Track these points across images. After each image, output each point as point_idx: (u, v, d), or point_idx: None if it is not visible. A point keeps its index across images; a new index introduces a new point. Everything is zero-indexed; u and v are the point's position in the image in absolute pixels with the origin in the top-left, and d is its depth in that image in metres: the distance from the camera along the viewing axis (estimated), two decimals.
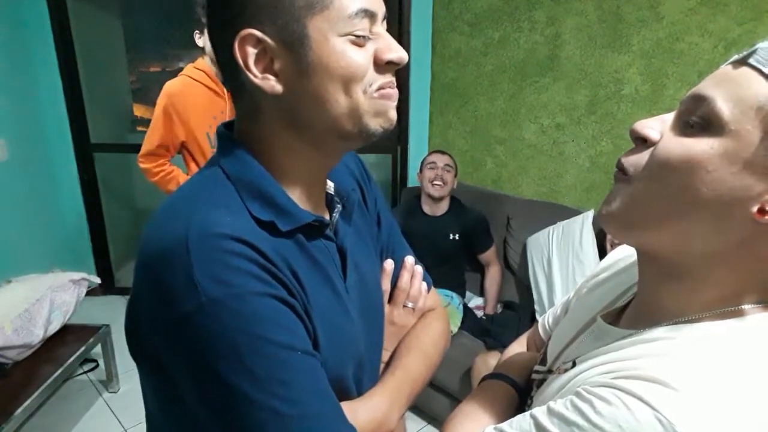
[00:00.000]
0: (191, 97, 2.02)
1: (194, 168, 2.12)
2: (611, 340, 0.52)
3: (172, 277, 0.47)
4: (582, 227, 2.07)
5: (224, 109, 2.07)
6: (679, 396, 0.40)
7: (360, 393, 0.64)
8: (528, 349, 0.80)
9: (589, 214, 2.10)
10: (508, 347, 0.82)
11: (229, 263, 0.47)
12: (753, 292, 0.46)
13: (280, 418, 0.47)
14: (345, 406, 0.55)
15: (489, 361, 1.82)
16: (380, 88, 0.54)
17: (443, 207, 2.36)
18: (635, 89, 2.13)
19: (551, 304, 2.09)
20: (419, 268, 0.78)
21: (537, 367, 0.66)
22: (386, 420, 0.62)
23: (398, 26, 2.74)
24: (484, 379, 0.72)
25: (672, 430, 0.38)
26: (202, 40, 2.00)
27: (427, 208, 2.36)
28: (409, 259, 0.77)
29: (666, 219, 0.45)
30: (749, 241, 0.43)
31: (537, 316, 2.16)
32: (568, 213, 2.24)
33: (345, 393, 0.61)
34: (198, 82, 2.04)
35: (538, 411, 0.48)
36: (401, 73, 2.79)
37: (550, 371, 0.61)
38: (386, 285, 0.75)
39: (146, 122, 4.13)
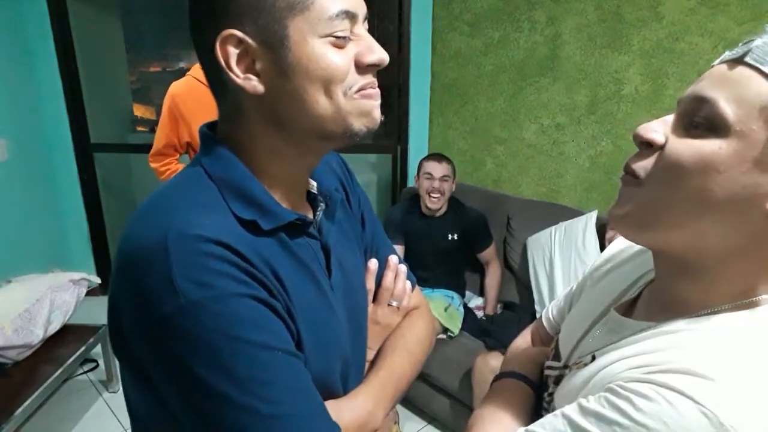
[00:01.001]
0: (195, 98, 2.01)
1: None
2: (629, 333, 0.52)
3: (151, 280, 0.47)
4: (585, 227, 2.07)
5: None
6: (717, 386, 0.40)
7: (346, 391, 0.64)
8: (533, 344, 0.80)
9: (593, 215, 2.10)
10: (512, 342, 0.82)
11: (208, 265, 0.47)
12: None
13: (261, 418, 0.47)
14: (330, 405, 0.56)
15: (489, 362, 1.82)
16: (360, 89, 0.54)
17: (443, 209, 2.34)
18: (635, 89, 2.13)
19: None
20: (403, 267, 0.78)
21: (550, 363, 0.65)
22: (371, 419, 0.62)
23: (398, 26, 2.74)
24: (497, 378, 0.71)
25: (717, 422, 0.38)
26: None
27: (426, 210, 2.33)
28: (393, 259, 0.77)
29: (682, 220, 0.46)
30: (765, 235, 0.44)
31: (537, 316, 2.16)
32: (568, 213, 2.24)
33: (331, 392, 0.61)
34: (203, 84, 2.03)
35: (570, 410, 0.47)
36: (401, 73, 2.80)
37: (566, 366, 0.60)
38: (371, 284, 0.75)
39: (146, 122, 4.14)
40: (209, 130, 0.59)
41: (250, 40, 0.51)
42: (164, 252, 0.46)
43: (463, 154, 2.79)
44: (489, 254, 2.40)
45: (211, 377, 0.46)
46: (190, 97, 2.02)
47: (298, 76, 0.51)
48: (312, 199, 0.66)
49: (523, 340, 0.81)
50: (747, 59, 0.43)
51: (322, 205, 0.65)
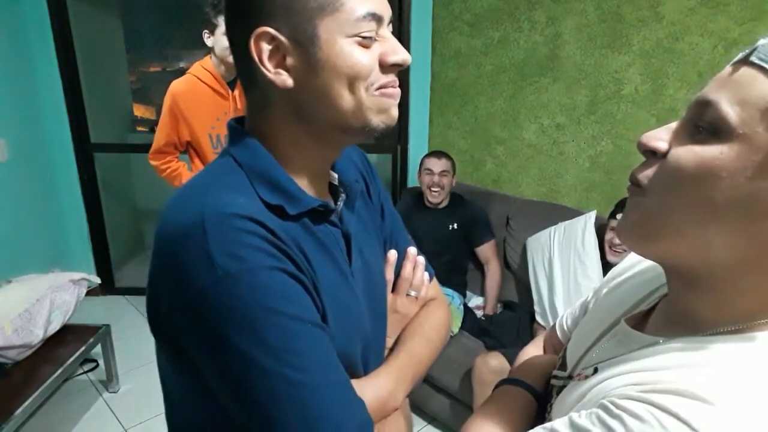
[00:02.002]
0: (195, 97, 2.03)
1: (199, 166, 2.14)
2: (636, 346, 0.49)
3: (190, 255, 0.50)
4: (584, 228, 2.07)
5: (228, 110, 2.07)
6: (716, 411, 0.38)
7: (367, 373, 0.66)
8: (545, 352, 0.77)
9: (592, 215, 2.10)
10: (522, 349, 0.80)
11: (242, 240, 0.50)
12: None
13: (291, 385, 0.50)
14: (352, 383, 0.57)
15: (489, 362, 1.82)
16: (382, 86, 0.57)
17: (444, 202, 2.45)
18: (635, 89, 2.13)
19: (551, 304, 2.09)
20: (421, 259, 0.80)
21: (556, 372, 0.63)
22: (392, 398, 0.64)
23: (398, 26, 2.74)
24: (499, 384, 0.70)
25: None
26: (211, 40, 2.01)
27: (428, 202, 2.46)
28: (412, 250, 0.80)
29: (685, 230, 0.44)
30: None
31: (537, 317, 2.16)
32: (568, 213, 2.24)
33: (353, 371, 0.63)
34: (203, 83, 2.04)
35: (560, 424, 0.45)
36: (401, 73, 2.79)
37: (570, 377, 0.58)
38: (390, 275, 0.77)
39: (146, 122, 4.15)
40: (237, 124, 0.63)
41: (282, 38, 0.54)
42: (201, 229, 0.50)
43: (463, 154, 2.79)
44: (488, 251, 2.42)
45: (245, 345, 0.49)
46: (190, 95, 2.03)
47: (326, 73, 0.54)
48: (333, 190, 0.69)
49: (535, 348, 0.79)
50: (752, 58, 0.41)
51: (343, 195, 0.68)
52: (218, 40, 1.98)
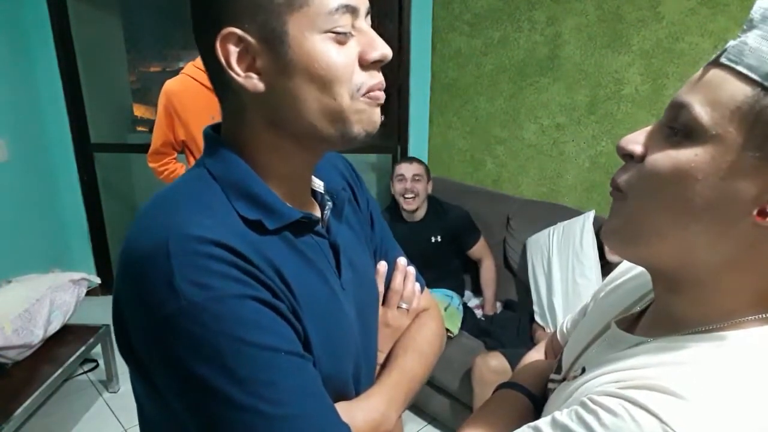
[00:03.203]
0: (189, 96, 2.01)
1: None
2: (624, 347, 0.50)
3: (152, 281, 0.47)
4: (583, 228, 2.07)
5: None
6: (689, 406, 0.38)
7: (358, 392, 0.63)
8: (546, 357, 0.78)
9: (590, 215, 2.10)
10: (526, 354, 0.80)
11: (208, 267, 0.47)
12: None
13: (266, 419, 0.47)
14: (342, 406, 0.55)
15: (489, 362, 1.82)
16: (369, 90, 0.53)
17: (421, 212, 2.34)
18: (635, 89, 2.13)
19: (550, 304, 2.09)
20: (412, 269, 0.77)
21: (552, 376, 0.64)
22: (384, 420, 0.61)
23: (398, 26, 2.74)
24: (498, 388, 0.70)
25: None
26: None
27: (406, 214, 2.35)
28: (402, 260, 0.77)
29: (665, 232, 0.44)
30: (757, 245, 0.41)
31: (536, 317, 2.16)
32: (569, 213, 2.24)
33: (344, 392, 0.60)
34: (197, 82, 2.02)
35: (543, 422, 0.46)
36: (401, 73, 2.80)
37: (564, 380, 0.58)
38: (380, 287, 0.74)
39: (146, 122, 4.14)
40: (213, 131, 0.59)
41: (249, 38, 0.50)
42: (165, 253, 0.46)
43: (463, 154, 2.79)
44: (479, 250, 2.38)
45: (213, 378, 0.46)
46: (185, 94, 2.01)
47: (299, 75, 0.50)
48: (319, 199, 0.65)
49: (536, 353, 0.79)
50: (722, 59, 0.42)
51: (330, 203, 0.65)
52: (195, 40, 1.97)
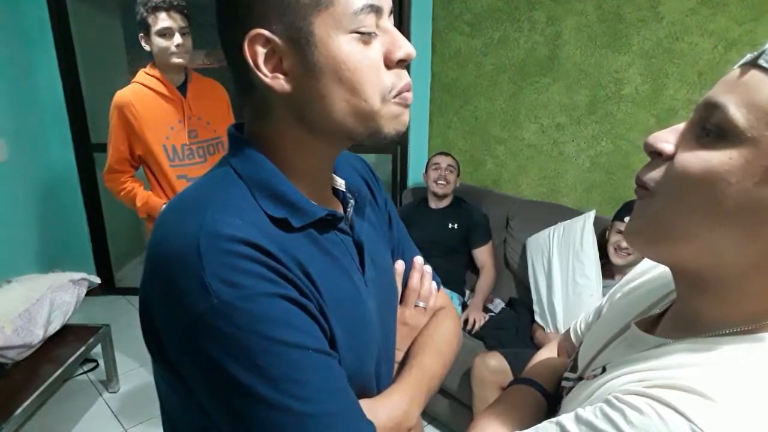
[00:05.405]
0: (144, 107, 1.83)
1: (155, 184, 1.92)
2: (645, 348, 0.50)
3: (184, 281, 0.47)
4: (583, 228, 2.07)
5: (182, 118, 1.86)
6: (717, 407, 0.38)
7: (378, 390, 0.64)
8: (559, 355, 0.78)
9: (591, 215, 2.10)
10: (538, 352, 0.80)
11: (239, 266, 0.47)
12: None
13: (296, 416, 0.48)
14: (365, 404, 0.56)
15: (489, 361, 1.82)
16: (399, 92, 0.54)
17: (446, 202, 2.54)
18: (635, 89, 2.13)
19: (550, 304, 2.09)
20: (428, 268, 0.78)
21: (567, 374, 0.63)
22: (407, 417, 0.62)
23: (398, 26, 2.73)
24: (511, 384, 0.70)
25: None
26: (149, 44, 1.84)
27: (432, 203, 2.55)
28: (418, 259, 0.78)
29: (693, 233, 0.44)
30: None
31: (536, 317, 2.16)
32: (568, 213, 2.24)
33: (366, 390, 0.61)
34: (151, 90, 1.85)
35: (565, 418, 0.46)
36: None
37: (581, 378, 0.58)
38: (397, 285, 0.75)
39: None
40: (236, 131, 0.60)
41: (277, 39, 0.51)
42: (196, 253, 0.47)
43: (463, 154, 2.79)
44: (484, 255, 2.44)
45: (244, 376, 0.47)
46: (139, 105, 1.82)
47: (326, 76, 0.51)
48: (342, 197, 0.66)
49: (548, 351, 0.79)
50: (760, 61, 0.41)
51: (352, 201, 0.65)
52: (155, 42, 1.79)
